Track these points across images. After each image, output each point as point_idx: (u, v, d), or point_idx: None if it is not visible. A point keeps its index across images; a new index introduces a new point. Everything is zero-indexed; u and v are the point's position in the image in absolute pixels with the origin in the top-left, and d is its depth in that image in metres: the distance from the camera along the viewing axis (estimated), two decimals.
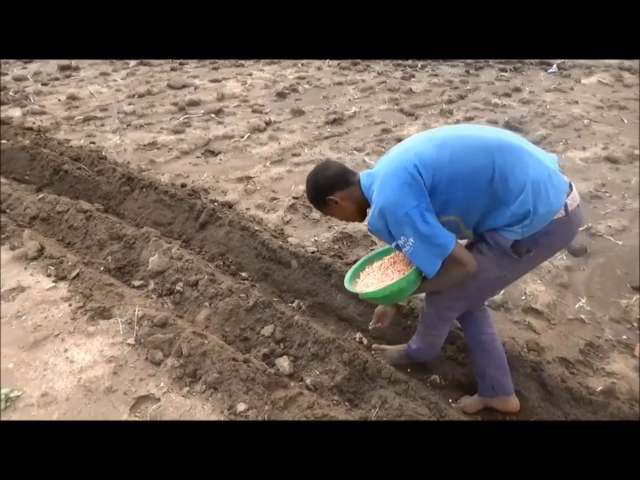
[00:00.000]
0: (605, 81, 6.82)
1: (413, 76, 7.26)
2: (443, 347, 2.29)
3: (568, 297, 2.74)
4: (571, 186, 1.70)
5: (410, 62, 8.13)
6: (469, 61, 8.20)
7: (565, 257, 3.04)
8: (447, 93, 6.31)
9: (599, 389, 2.12)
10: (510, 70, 7.58)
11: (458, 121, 5.31)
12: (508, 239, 1.65)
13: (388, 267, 1.93)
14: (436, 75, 7.34)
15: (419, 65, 7.94)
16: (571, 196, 1.67)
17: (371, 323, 2.28)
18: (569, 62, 7.75)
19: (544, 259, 1.83)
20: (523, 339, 2.41)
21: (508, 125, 5.09)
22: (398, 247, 1.75)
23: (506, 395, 2.00)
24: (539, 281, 2.84)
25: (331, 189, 1.80)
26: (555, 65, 7.56)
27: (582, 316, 2.58)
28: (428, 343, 2.06)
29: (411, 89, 6.49)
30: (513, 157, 1.61)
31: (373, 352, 2.29)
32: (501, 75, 7.29)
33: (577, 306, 2.66)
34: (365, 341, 2.41)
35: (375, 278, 1.92)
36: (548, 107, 5.78)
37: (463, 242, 1.86)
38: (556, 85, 6.64)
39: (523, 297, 2.71)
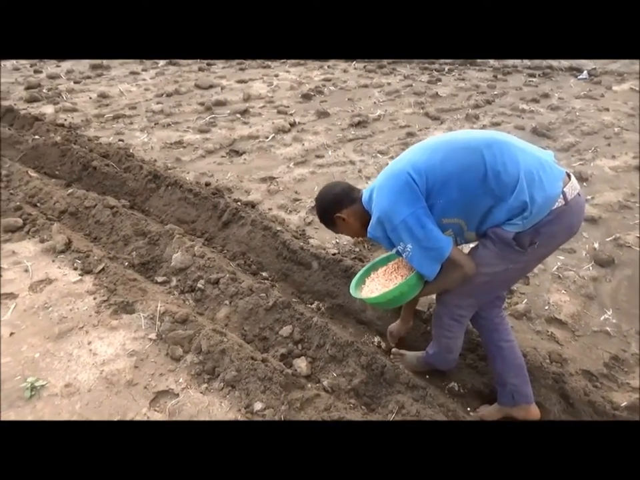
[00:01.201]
0: (637, 88, 6.66)
1: (440, 80, 7.21)
2: (463, 355, 2.27)
3: (593, 308, 2.68)
4: (569, 175, 1.71)
5: (437, 65, 8.08)
6: (496, 65, 8.10)
7: (590, 268, 2.97)
8: (473, 98, 6.25)
9: (624, 404, 2.06)
10: (539, 75, 7.46)
11: (484, 126, 5.25)
12: (509, 231, 1.66)
13: (392, 273, 1.99)
14: (463, 79, 7.28)
15: (446, 69, 7.88)
16: (569, 185, 1.67)
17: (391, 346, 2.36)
18: (600, 68, 7.59)
19: (549, 250, 1.81)
20: (545, 350, 2.36)
21: (535, 131, 5.01)
22: (398, 253, 1.80)
23: (527, 404, 1.97)
24: (563, 291, 2.78)
25: (337, 207, 1.91)
26: (585, 71, 7.41)
27: (607, 328, 2.52)
28: (443, 345, 2.04)
29: (437, 93, 6.45)
30: (501, 152, 1.64)
31: (391, 356, 2.28)
32: (530, 81, 7.18)
33: (602, 318, 2.60)
34: (383, 345, 2.40)
35: (379, 284, 1.99)
36: (577, 113, 5.67)
37: (467, 246, 1.89)
38: (586, 92, 6.51)
39: (547, 307, 2.66)
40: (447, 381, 2.23)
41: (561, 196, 1.64)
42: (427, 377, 2.23)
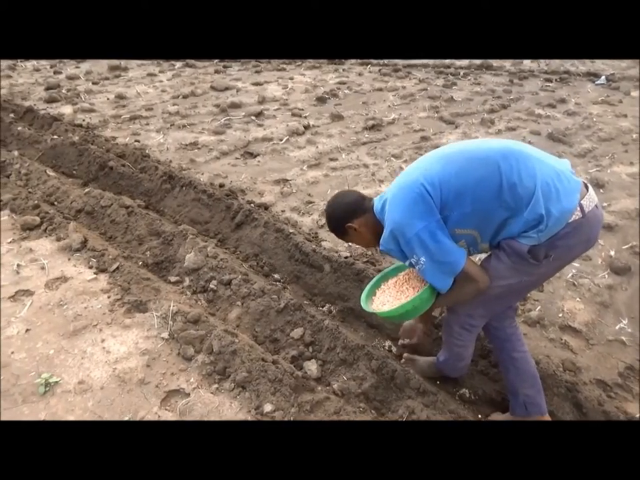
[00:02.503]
0: None
1: (455, 84, 7.18)
2: (474, 361, 2.25)
3: (608, 316, 2.64)
4: (587, 187, 1.67)
5: (452, 69, 8.05)
6: (512, 70, 8.04)
7: (606, 275, 2.93)
8: (489, 102, 6.21)
9: (638, 415, 2.03)
10: (555, 80, 7.39)
11: (499, 131, 5.21)
12: (524, 244, 1.63)
13: (403, 284, 1.95)
14: (478, 84, 7.24)
15: (461, 73, 7.85)
16: (586, 197, 1.63)
17: (400, 341, 2.31)
18: (618, 74, 7.50)
19: (565, 263, 1.78)
20: (559, 358, 2.33)
21: (551, 137, 4.97)
22: (411, 265, 1.77)
23: (540, 415, 1.94)
24: (577, 299, 2.75)
25: (348, 216, 1.87)
26: (603, 77, 7.33)
27: (623, 337, 2.48)
28: (454, 353, 2.02)
29: (452, 97, 6.42)
30: (517, 163, 1.61)
31: (403, 361, 2.26)
32: (546, 85, 7.12)
33: (617, 327, 2.56)
34: (394, 349, 2.39)
35: (390, 295, 1.95)
36: (594, 119, 5.60)
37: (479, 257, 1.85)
38: (604, 97, 6.43)
39: (560, 314, 2.62)
40: (458, 387, 2.21)
41: (578, 208, 1.60)
42: (438, 382, 2.21)
